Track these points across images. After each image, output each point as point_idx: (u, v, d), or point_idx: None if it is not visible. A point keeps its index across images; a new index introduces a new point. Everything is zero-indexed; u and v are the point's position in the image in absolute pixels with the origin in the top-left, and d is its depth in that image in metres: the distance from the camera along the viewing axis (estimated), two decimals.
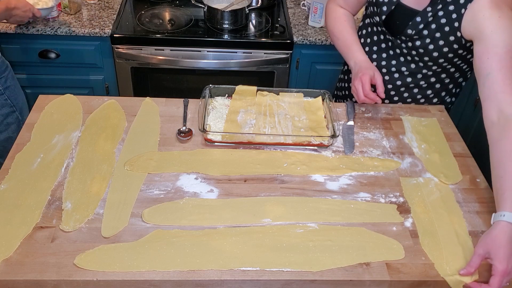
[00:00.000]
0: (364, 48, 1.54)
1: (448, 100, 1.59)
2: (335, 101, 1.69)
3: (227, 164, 1.28)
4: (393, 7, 1.41)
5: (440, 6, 1.32)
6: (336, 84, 1.80)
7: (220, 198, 1.19)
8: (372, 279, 1.03)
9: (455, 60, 1.41)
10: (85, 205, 1.14)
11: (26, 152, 1.27)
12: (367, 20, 1.55)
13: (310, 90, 1.53)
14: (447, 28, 1.33)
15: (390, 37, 1.46)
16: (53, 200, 1.15)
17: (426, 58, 1.41)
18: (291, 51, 2.11)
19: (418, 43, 1.38)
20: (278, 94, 1.52)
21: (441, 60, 1.40)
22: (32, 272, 0.99)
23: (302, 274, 1.02)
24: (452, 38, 1.33)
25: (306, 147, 1.36)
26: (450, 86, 1.54)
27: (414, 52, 1.41)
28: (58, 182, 1.20)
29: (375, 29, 1.51)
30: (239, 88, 1.50)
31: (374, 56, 1.52)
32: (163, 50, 2.08)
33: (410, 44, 1.40)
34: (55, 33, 2.02)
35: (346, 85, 1.69)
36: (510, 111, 1.14)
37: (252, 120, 1.42)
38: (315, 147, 1.36)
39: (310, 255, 1.06)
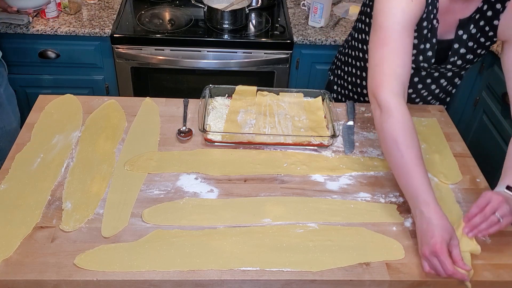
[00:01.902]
0: (362, 53, 1.51)
1: (457, 81, 1.56)
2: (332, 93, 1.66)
3: (227, 164, 1.28)
4: (436, 46, 1.32)
5: (472, 26, 1.31)
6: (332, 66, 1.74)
7: (220, 198, 1.19)
8: (372, 279, 1.03)
9: (474, 60, 1.41)
10: (85, 205, 1.14)
11: (26, 152, 1.27)
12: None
13: (310, 90, 1.53)
14: (482, 39, 1.34)
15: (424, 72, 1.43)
16: (53, 200, 1.15)
17: (456, 69, 1.42)
18: (291, 51, 2.11)
19: (459, 62, 1.38)
20: (278, 94, 1.52)
21: (468, 66, 1.42)
22: (32, 272, 0.99)
23: (302, 274, 1.02)
24: (488, 43, 1.35)
25: (306, 147, 1.36)
26: (448, 87, 1.54)
27: (449, 66, 1.40)
28: (58, 182, 1.20)
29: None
30: (239, 88, 1.50)
31: None
32: (163, 50, 2.08)
33: (450, 66, 1.40)
34: (55, 33, 2.02)
35: (340, 72, 1.66)
36: None
37: (252, 120, 1.42)
38: (315, 147, 1.36)
39: (310, 255, 1.06)
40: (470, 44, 1.35)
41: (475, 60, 1.40)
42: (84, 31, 2.03)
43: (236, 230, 1.10)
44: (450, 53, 1.36)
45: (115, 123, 1.39)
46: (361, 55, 1.53)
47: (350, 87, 1.62)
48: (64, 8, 2.10)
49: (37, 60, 2.10)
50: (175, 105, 1.49)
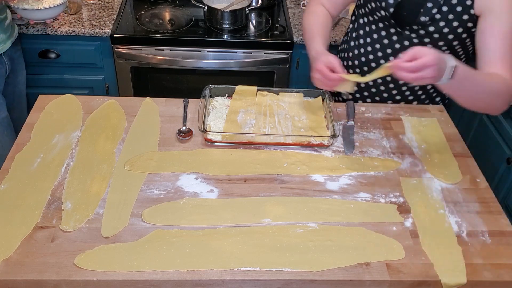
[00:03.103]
0: (363, 49, 1.53)
1: (432, 91, 1.58)
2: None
3: (227, 164, 1.28)
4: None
5: None
6: None
7: (220, 198, 1.19)
8: (372, 279, 1.03)
9: (467, 40, 1.40)
10: (85, 205, 1.14)
11: (26, 152, 1.27)
12: (362, 20, 1.53)
13: (310, 90, 1.53)
14: (459, 8, 1.32)
15: (397, 29, 1.43)
16: (53, 200, 1.15)
17: (441, 43, 1.39)
18: (291, 51, 2.11)
19: (432, 28, 1.36)
20: (278, 94, 1.52)
21: (455, 42, 1.39)
22: (32, 272, 0.99)
23: (302, 274, 1.02)
24: (466, 17, 1.33)
25: (306, 147, 1.36)
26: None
27: (427, 40, 1.40)
28: (58, 182, 1.20)
29: (374, 26, 1.49)
30: (239, 88, 1.50)
31: (379, 54, 1.50)
32: (163, 50, 2.08)
33: (422, 32, 1.38)
34: (55, 33, 2.02)
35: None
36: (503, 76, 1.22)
37: (252, 120, 1.42)
38: (315, 147, 1.36)
39: (310, 255, 1.06)
40: (445, 8, 1.33)
41: (450, 38, 1.37)
42: (84, 31, 2.03)
43: (236, 230, 1.10)
44: (422, 10, 1.35)
45: (115, 123, 1.39)
46: (362, 50, 1.54)
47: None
48: (64, 8, 2.10)
49: (37, 60, 2.10)
50: (175, 105, 1.49)
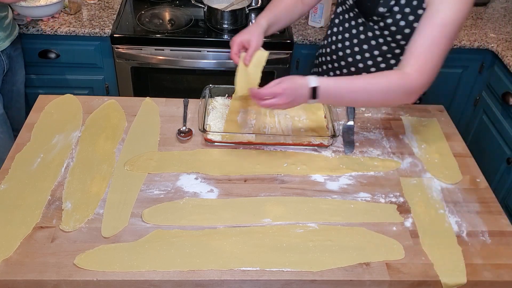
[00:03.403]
0: (337, 37, 1.53)
1: None
2: None
3: (227, 164, 1.28)
4: None
5: None
6: (312, 70, 1.76)
7: (220, 198, 1.19)
8: (372, 279, 1.03)
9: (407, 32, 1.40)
10: (85, 205, 1.14)
11: (26, 152, 1.27)
12: (339, 9, 1.55)
13: None
14: (415, 2, 1.33)
15: (362, 20, 1.45)
16: (53, 200, 1.15)
17: (398, 37, 1.39)
18: (291, 51, 2.11)
19: (389, 20, 1.37)
20: None
21: (397, 31, 1.39)
22: (32, 272, 0.99)
23: (302, 274, 1.02)
24: (420, 11, 1.32)
25: (306, 147, 1.36)
26: None
27: (386, 32, 1.40)
28: (58, 182, 1.20)
29: (346, 16, 1.50)
30: None
31: (347, 43, 1.51)
32: (163, 50, 2.08)
33: (382, 24, 1.39)
34: (55, 33, 2.02)
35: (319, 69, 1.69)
36: (408, 69, 1.20)
37: (252, 120, 1.42)
38: (315, 147, 1.36)
39: (310, 255, 1.06)
40: (403, 1, 1.33)
41: (407, 33, 1.36)
42: (84, 31, 2.02)
43: (236, 230, 1.10)
44: (381, 1, 1.36)
45: (115, 123, 1.39)
46: (336, 42, 1.55)
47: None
48: (64, 8, 2.10)
49: (37, 60, 2.10)
50: (175, 105, 1.49)
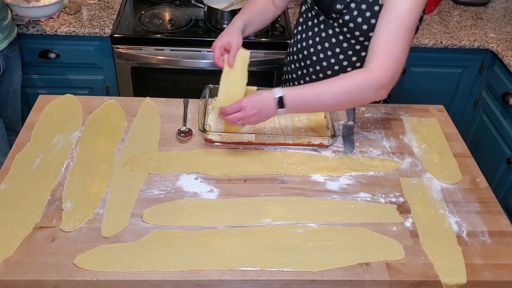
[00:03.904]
0: (301, 35, 1.54)
1: None
2: None
3: (227, 164, 1.28)
4: None
5: None
6: (282, 77, 1.77)
7: (220, 198, 1.19)
8: (372, 279, 1.03)
9: (365, 28, 1.39)
10: (85, 205, 1.14)
11: (26, 152, 1.27)
12: (303, 8, 1.55)
13: None
14: None
15: (322, 18, 1.45)
16: (53, 200, 1.15)
17: (357, 33, 1.39)
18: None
19: (347, 17, 1.37)
20: None
21: (371, 34, 1.37)
22: (32, 272, 0.99)
23: (302, 274, 1.02)
24: (376, 8, 1.33)
25: (306, 147, 1.36)
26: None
27: (345, 29, 1.41)
28: (58, 182, 1.20)
29: (309, 14, 1.51)
30: None
31: (310, 42, 1.51)
32: (163, 50, 2.08)
33: (340, 21, 1.40)
34: (55, 33, 2.02)
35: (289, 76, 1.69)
36: (372, 66, 1.21)
37: None
38: (315, 147, 1.36)
39: (310, 255, 1.06)
40: None
41: (365, 29, 1.36)
42: (84, 31, 2.02)
43: (236, 230, 1.10)
44: None
45: (115, 123, 1.39)
46: (301, 42, 1.55)
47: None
48: (64, 8, 2.10)
49: (37, 60, 2.10)
50: (175, 105, 1.49)
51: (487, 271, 1.06)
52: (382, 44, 1.21)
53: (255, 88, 1.51)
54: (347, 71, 1.47)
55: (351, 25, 1.38)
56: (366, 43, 1.41)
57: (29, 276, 0.98)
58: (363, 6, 1.34)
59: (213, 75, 2.15)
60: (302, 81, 1.60)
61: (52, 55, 2.09)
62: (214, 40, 1.33)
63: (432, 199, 1.23)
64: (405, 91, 2.23)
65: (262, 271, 1.02)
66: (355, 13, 1.35)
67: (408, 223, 1.16)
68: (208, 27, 2.15)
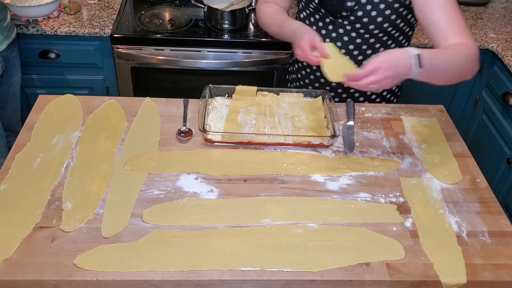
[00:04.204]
0: None
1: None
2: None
3: (227, 164, 1.28)
4: None
5: None
6: (287, 77, 1.78)
7: (220, 198, 1.19)
8: (372, 279, 1.03)
9: (398, 22, 1.41)
10: (85, 205, 1.14)
11: (26, 152, 1.27)
12: (302, 14, 1.55)
13: (310, 90, 1.53)
14: None
15: (330, 19, 1.45)
16: (53, 200, 1.15)
17: (371, 27, 1.40)
18: (291, 51, 2.11)
19: (360, 13, 1.38)
20: (278, 94, 1.52)
21: (386, 25, 1.40)
22: (32, 272, 0.99)
23: (302, 274, 1.02)
24: None
25: (306, 147, 1.36)
26: None
27: (358, 25, 1.41)
28: (58, 182, 1.20)
29: (312, 19, 1.51)
30: (239, 88, 1.50)
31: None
32: (163, 50, 2.08)
33: (352, 18, 1.40)
34: (55, 33, 2.02)
35: (297, 75, 1.69)
36: (462, 41, 1.25)
37: (252, 120, 1.42)
38: (315, 147, 1.36)
39: (310, 255, 1.06)
40: None
41: (380, 21, 1.38)
42: (84, 31, 2.03)
43: (236, 230, 1.10)
44: None
45: (115, 123, 1.39)
46: None
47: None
48: (64, 8, 2.10)
49: (37, 60, 2.10)
50: (175, 105, 1.49)
51: (487, 271, 1.06)
52: (455, 25, 1.26)
53: (255, 88, 1.51)
54: (363, 65, 1.47)
55: (365, 20, 1.38)
56: (380, 35, 1.43)
57: (29, 276, 0.98)
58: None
59: (213, 75, 2.16)
60: (316, 84, 1.61)
61: (52, 55, 2.10)
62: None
63: (432, 199, 1.23)
64: (405, 91, 2.23)
65: (262, 271, 1.02)
66: (369, 7, 1.36)
67: (408, 223, 1.16)
68: (208, 27, 2.15)
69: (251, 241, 1.08)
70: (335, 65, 1.28)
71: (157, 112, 1.46)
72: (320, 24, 1.49)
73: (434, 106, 1.57)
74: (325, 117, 1.45)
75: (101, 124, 1.39)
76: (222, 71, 2.15)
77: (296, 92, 1.53)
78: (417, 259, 1.07)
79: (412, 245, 1.10)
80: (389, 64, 1.11)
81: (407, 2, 1.37)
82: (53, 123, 1.38)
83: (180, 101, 1.50)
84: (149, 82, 2.22)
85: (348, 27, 1.43)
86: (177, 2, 2.32)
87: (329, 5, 1.43)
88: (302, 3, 1.53)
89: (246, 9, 2.13)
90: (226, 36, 2.10)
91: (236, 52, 2.10)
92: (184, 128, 1.39)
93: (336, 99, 1.58)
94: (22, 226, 1.08)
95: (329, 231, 1.12)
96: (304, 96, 1.52)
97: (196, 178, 1.24)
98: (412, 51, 1.14)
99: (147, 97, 1.51)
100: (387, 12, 1.37)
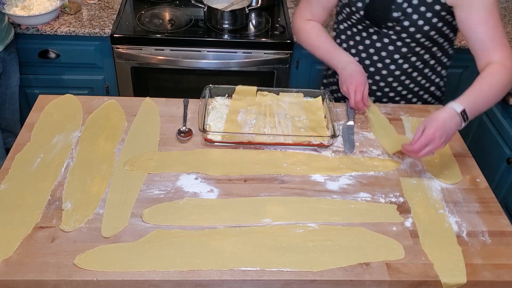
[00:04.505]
0: (349, 52, 1.54)
1: (444, 73, 1.59)
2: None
3: (227, 164, 1.28)
4: (367, 0, 1.42)
5: None
6: (322, 80, 1.78)
7: (220, 198, 1.19)
8: (372, 279, 1.03)
9: (444, 28, 1.42)
10: (85, 205, 1.14)
11: (26, 152, 1.27)
12: (342, 26, 1.56)
13: (310, 90, 1.53)
14: (429, 0, 1.35)
15: (374, 29, 1.46)
16: (53, 200, 1.15)
17: (418, 35, 1.41)
18: (291, 51, 2.11)
19: (406, 23, 1.39)
20: (278, 94, 1.52)
21: (432, 33, 1.41)
22: (32, 272, 0.99)
23: (302, 274, 1.02)
24: (437, 7, 1.35)
25: (306, 147, 1.36)
26: (443, 58, 1.54)
27: (404, 35, 1.42)
28: (58, 182, 1.20)
29: (354, 29, 1.51)
30: (239, 88, 1.50)
31: (363, 55, 1.52)
32: (163, 50, 2.08)
33: (398, 28, 1.41)
34: (55, 33, 2.02)
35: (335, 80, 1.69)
36: (496, 58, 1.30)
37: (252, 120, 1.42)
38: (315, 147, 1.36)
39: (310, 255, 1.06)
40: (415, 2, 1.35)
41: (426, 30, 1.39)
42: (84, 31, 2.03)
43: (236, 230, 1.10)
44: (393, 7, 1.38)
45: (115, 123, 1.39)
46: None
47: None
48: (64, 8, 2.10)
49: (37, 60, 2.10)
50: (175, 105, 1.49)
51: (487, 271, 1.06)
52: (495, 38, 1.30)
53: (255, 88, 1.51)
54: (409, 73, 1.51)
55: (412, 29, 1.39)
56: (426, 43, 1.44)
57: (29, 276, 0.98)
58: (422, 8, 1.36)
59: (213, 75, 2.16)
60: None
61: (52, 55, 2.10)
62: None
63: (432, 199, 1.23)
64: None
65: (262, 271, 1.02)
66: (415, 16, 1.37)
67: (408, 223, 1.16)
68: (208, 27, 2.15)
69: (251, 241, 1.08)
70: (385, 135, 1.41)
71: (157, 112, 1.46)
72: (364, 34, 1.50)
73: (434, 106, 1.57)
74: (325, 117, 1.45)
75: (101, 124, 1.39)
76: (222, 71, 2.15)
77: (296, 92, 1.53)
78: (417, 259, 1.07)
79: (412, 245, 1.10)
80: (441, 132, 1.18)
81: (452, 9, 1.36)
82: (53, 123, 1.38)
83: (180, 101, 1.50)
84: (149, 82, 2.22)
85: (394, 37, 1.44)
86: (177, 2, 2.32)
87: (375, 16, 1.43)
88: (343, 14, 1.52)
89: (246, 9, 2.13)
90: (226, 36, 2.10)
91: (236, 52, 2.10)
92: (184, 128, 1.39)
93: (384, 99, 1.59)
94: (22, 226, 1.08)
95: (329, 231, 1.12)
96: (304, 96, 1.52)
97: (196, 178, 1.24)
98: (456, 107, 1.20)
99: (147, 97, 1.51)
100: (434, 20, 1.37)
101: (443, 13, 1.37)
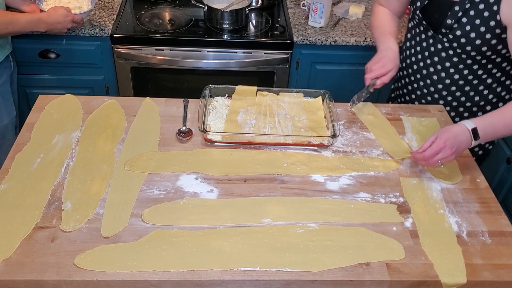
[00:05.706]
0: (410, 51, 1.58)
1: (504, 94, 1.54)
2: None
3: (227, 164, 1.28)
4: (426, 1, 1.45)
5: None
6: (391, 95, 1.84)
7: (220, 198, 1.19)
8: (372, 279, 1.03)
9: (499, 47, 1.38)
10: (85, 205, 1.14)
11: (26, 152, 1.27)
12: (410, 24, 1.59)
13: (310, 90, 1.53)
14: (486, 14, 1.33)
15: (431, 33, 1.47)
16: (53, 200, 1.15)
17: (468, 48, 1.40)
18: (291, 51, 2.11)
19: (458, 32, 1.38)
20: (278, 94, 1.52)
21: (484, 48, 1.38)
22: (32, 272, 0.99)
23: (302, 274, 1.02)
24: (492, 23, 1.33)
25: (306, 147, 1.36)
26: (502, 78, 1.50)
27: (455, 44, 1.42)
28: (58, 182, 1.20)
29: (417, 29, 1.54)
30: (239, 88, 1.50)
31: (419, 56, 1.54)
32: (163, 50, 2.08)
33: (451, 36, 1.41)
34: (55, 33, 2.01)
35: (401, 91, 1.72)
36: None
37: (252, 120, 1.42)
38: (315, 147, 1.36)
39: (310, 255, 1.06)
40: (472, 13, 1.34)
41: (478, 44, 1.37)
42: (84, 31, 2.02)
43: (236, 230, 1.10)
44: (449, 13, 1.38)
45: (115, 123, 1.39)
46: (410, 57, 1.59)
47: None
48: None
49: (37, 60, 2.10)
50: (175, 105, 1.49)
51: (487, 271, 1.06)
52: None
53: (255, 88, 1.51)
54: (459, 84, 1.50)
55: (463, 40, 1.39)
56: (478, 57, 1.42)
57: (29, 276, 0.98)
58: (477, 21, 1.34)
59: (213, 75, 2.16)
60: (413, 96, 1.63)
61: (52, 55, 2.09)
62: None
63: (432, 199, 1.23)
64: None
65: (262, 271, 1.02)
66: (468, 28, 1.36)
67: (408, 223, 1.16)
68: (208, 27, 2.15)
69: (251, 241, 1.08)
70: (388, 140, 1.40)
71: (157, 112, 1.46)
72: (423, 36, 1.52)
73: (434, 106, 1.57)
74: (325, 117, 1.45)
75: (101, 124, 1.39)
76: (222, 71, 2.15)
77: (296, 92, 1.53)
78: (417, 259, 1.07)
79: (412, 245, 1.10)
80: (452, 142, 1.21)
81: (491, 23, 1.34)
82: (53, 123, 1.38)
83: (180, 101, 1.50)
84: (149, 82, 2.22)
85: (446, 44, 1.44)
86: (177, 2, 2.32)
87: (431, 18, 1.45)
88: (411, 12, 1.56)
89: (246, 9, 2.13)
90: (226, 36, 2.10)
91: (236, 52, 2.10)
92: (184, 128, 1.39)
93: (452, 114, 1.59)
94: (22, 226, 1.08)
95: (329, 231, 1.12)
96: (304, 96, 1.52)
97: (196, 178, 1.24)
98: (467, 125, 1.23)
99: (147, 97, 1.51)
100: (487, 36, 1.35)
101: (498, 31, 1.34)
